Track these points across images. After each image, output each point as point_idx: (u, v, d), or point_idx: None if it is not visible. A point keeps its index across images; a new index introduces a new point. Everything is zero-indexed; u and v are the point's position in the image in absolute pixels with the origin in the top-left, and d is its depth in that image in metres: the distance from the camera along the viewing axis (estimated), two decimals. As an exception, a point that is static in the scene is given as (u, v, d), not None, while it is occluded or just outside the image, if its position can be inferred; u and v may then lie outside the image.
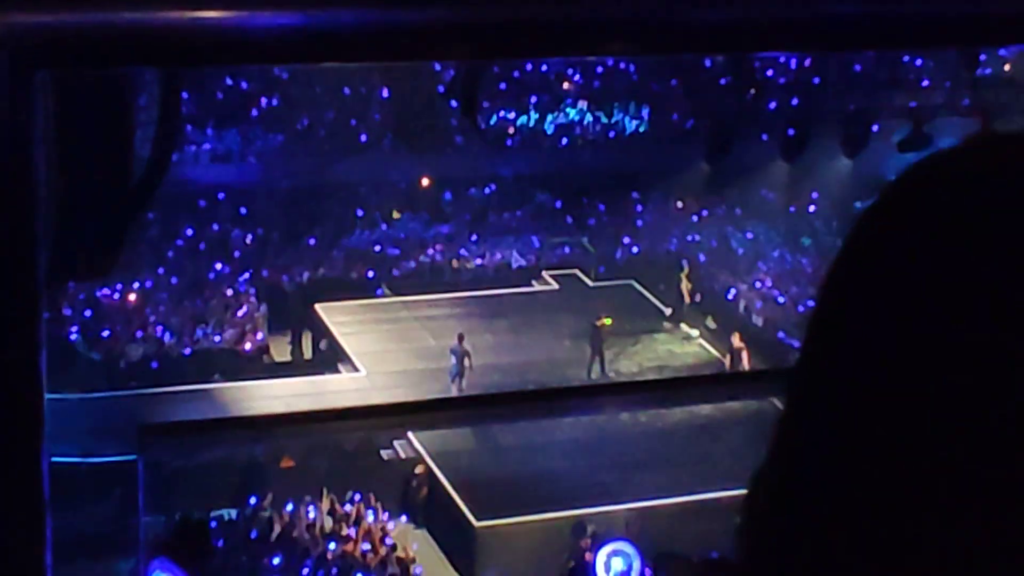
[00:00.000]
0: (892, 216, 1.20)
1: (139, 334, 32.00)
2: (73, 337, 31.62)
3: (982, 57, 29.20)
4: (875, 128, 30.78)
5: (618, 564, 24.11)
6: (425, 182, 38.38)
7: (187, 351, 31.95)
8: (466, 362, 31.02)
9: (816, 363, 1.19)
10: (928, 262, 1.12)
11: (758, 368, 31.89)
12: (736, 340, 32.29)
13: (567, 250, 37.96)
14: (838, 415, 1.13)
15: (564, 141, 39.39)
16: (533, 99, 39.55)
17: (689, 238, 38.57)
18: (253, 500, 26.47)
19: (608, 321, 32.84)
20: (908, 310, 1.10)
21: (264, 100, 37.71)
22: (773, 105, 34.53)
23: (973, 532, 1.04)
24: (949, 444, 1.07)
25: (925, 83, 33.53)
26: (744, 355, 31.75)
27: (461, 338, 31.40)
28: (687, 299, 35.56)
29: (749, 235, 38.49)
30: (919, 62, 37.91)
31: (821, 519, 1.13)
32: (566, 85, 40.11)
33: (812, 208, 39.08)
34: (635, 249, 38.18)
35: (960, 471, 1.06)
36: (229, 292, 34.08)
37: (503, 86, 39.04)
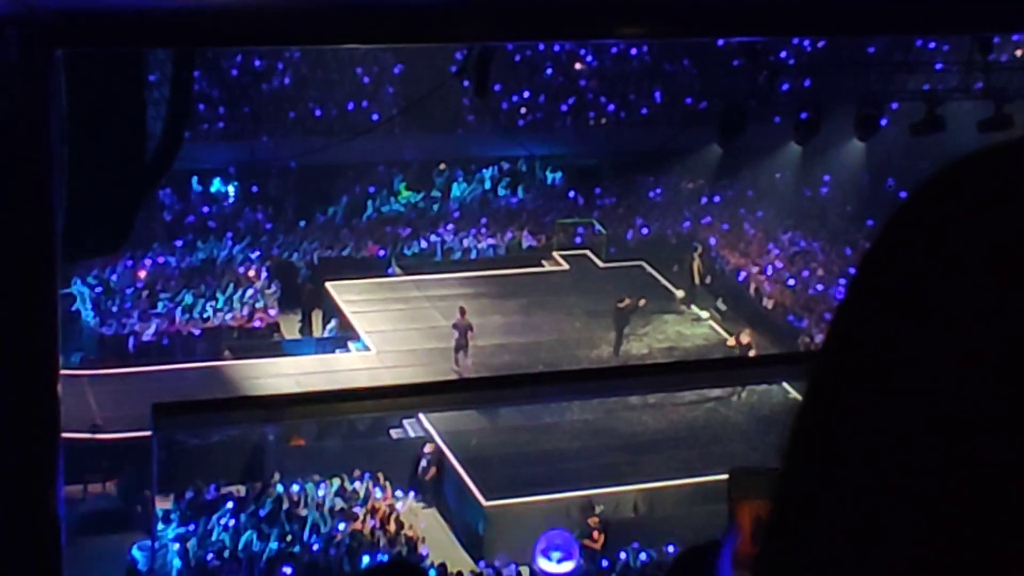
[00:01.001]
0: (922, 223, 1.20)
1: (150, 311, 32.05)
2: (84, 313, 31.68)
3: (995, 41, 29.07)
4: (888, 111, 30.70)
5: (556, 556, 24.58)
6: (437, 162, 38.40)
7: (198, 328, 32.01)
8: (468, 336, 31.11)
9: (837, 374, 1.20)
10: (959, 270, 1.12)
11: (767, 351, 31.91)
12: (745, 336, 32.29)
13: (579, 230, 37.94)
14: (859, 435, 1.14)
15: (575, 121, 39.40)
16: (546, 78, 39.55)
17: (700, 220, 38.55)
18: (263, 478, 26.55)
19: (628, 301, 32.90)
20: (934, 321, 1.11)
21: (276, 78, 37.76)
22: (786, 87, 34.47)
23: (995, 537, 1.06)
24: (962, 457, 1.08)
25: (938, 66, 33.42)
26: (751, 353, 31.73)
27: (463, 312, 31.52)
28: (698, 280, 35.58)
29: (761, 217, 38.46)
30: (932, 45, 37.83)
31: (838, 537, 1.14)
32: (578, 65, 40.11)
33: (824, 191, 39.05)
34: (646, 230, 38.16)
35: (971, 477, 1.07)
36: (240, 270, 34.11)
37: (516, 65, 39.03)
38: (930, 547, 1.05)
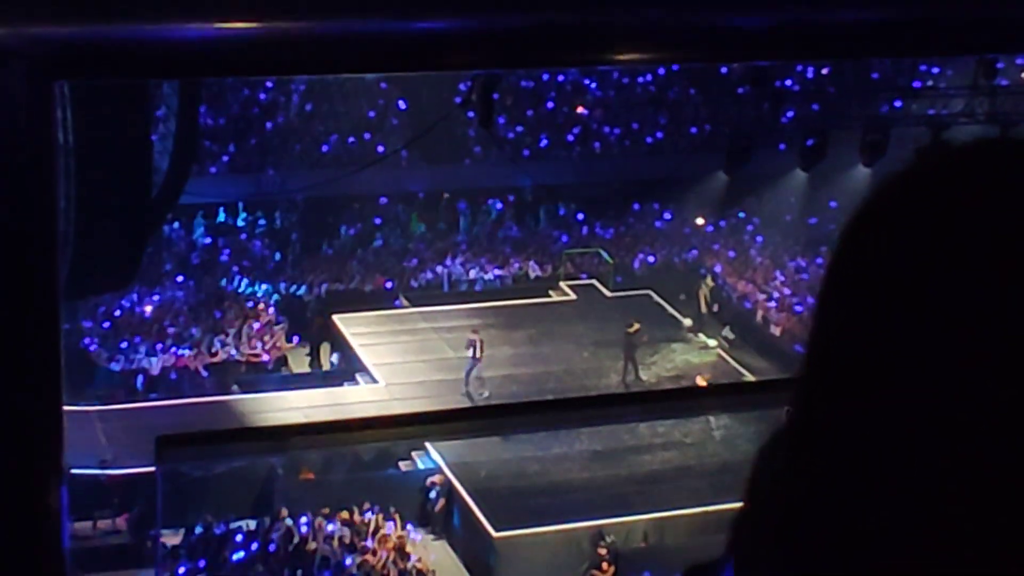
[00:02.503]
0: (889, 214, 1.19)
1: (158, 346, 32.06)
2: (92, 349, 31.70)
3: (999, 65, 29.11)
4: (893, 136, 30.70)
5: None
6: (443, 193, 38.43)
7: (206, 363, 32.00)
8: (477, 351, 31.20)
9: (818, 367, 1.19)
10: (924, 263, 1.11)
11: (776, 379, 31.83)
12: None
13: (584, 260, 37.95)
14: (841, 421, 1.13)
15: (581, 150, 39.42)
16: (550, 108, 39.60)
17: (707, 248, 38.54)
18: (273, 512, 26.50)
19: (637, 327, 32.91)
20: (905, 308, 1.10)
21: (281, 112, 37.84)
22: (791, 114, 34.51)
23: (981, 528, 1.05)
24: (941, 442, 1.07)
25: (943, 91, 33.47)
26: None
27: (475, 331, 31.88)
28: (705, 309, 35.52)
29: (767, 245, 38.44)
30: (936, 70, 37.88)
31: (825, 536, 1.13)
32: (583, 95, 40.16)
33: (830, 217, 39.03)
34: (652, 259, 38.14)
35: (956, 465, 1.06)
36: (248, 304, 34.12)
37: (521, 95, 39.10)
38: (929, 549, 1.04)
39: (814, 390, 1.18)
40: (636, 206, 39.44)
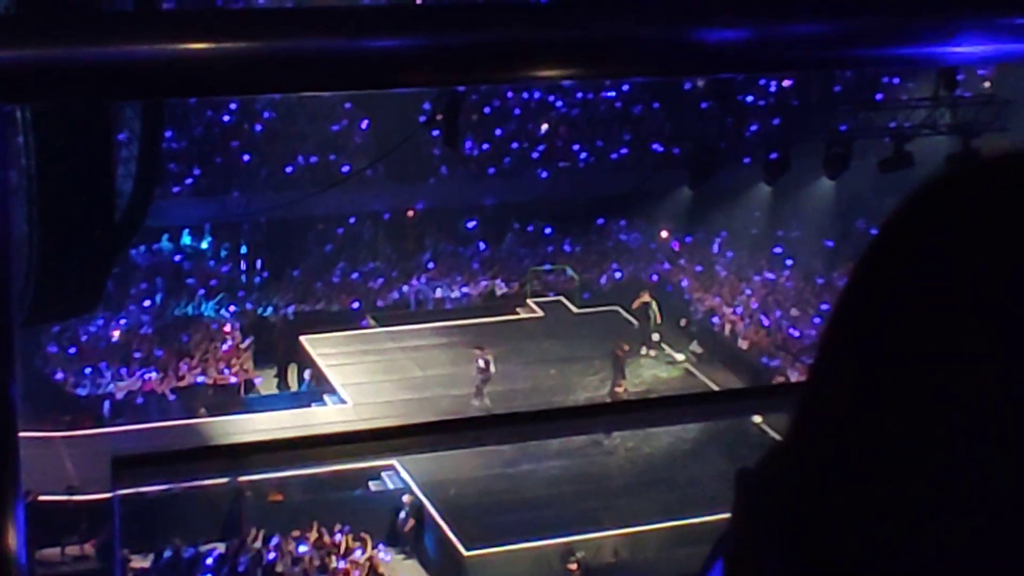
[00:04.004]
0: (920, 227, 1.17)
1: (124, 370, 31.92)
2: (58, 375, 31.55)
3: (960, 76, 29.28)
4: (856, 149, 30.84)
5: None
6: (408, 212, 38.40)
7: (172, 387, 31.88)
8: (482, 363, 31.28)
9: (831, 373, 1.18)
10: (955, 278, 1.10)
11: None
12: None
13: (551, 277, 37.97)
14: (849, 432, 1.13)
15: (546, 168, 39.44)
16: (514, 127, 39.62)
17: (674, 262, 38.61)
18: (242, 534, 26.40)
19: (627, 347, 33.12)
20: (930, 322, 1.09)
21: (245, 133, 37.75)
22: (754, 128, 34.62)
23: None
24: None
25: (905, 103, 33.63)
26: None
27: (480, 347, 32.01)
28: (653, 325, 35.18)
29: (733, 258, 38.53)
30: (898, 81, 38.06)
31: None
32: (547, 112, 40.20)
33: (795, 230, 39.16)
34: (619, 275, 38.20)
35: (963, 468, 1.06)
36: (214, 326, 34.03)
37: (486, 113, 39.12)
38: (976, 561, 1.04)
39: (841, 409, 1.16)
40: (602, 222, 39.50)
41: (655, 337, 34.98)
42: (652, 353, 34.34)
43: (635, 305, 34.45)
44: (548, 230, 39.10)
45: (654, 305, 35.11)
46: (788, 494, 1.16)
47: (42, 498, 24.66)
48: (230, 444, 23.15)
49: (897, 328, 1.11)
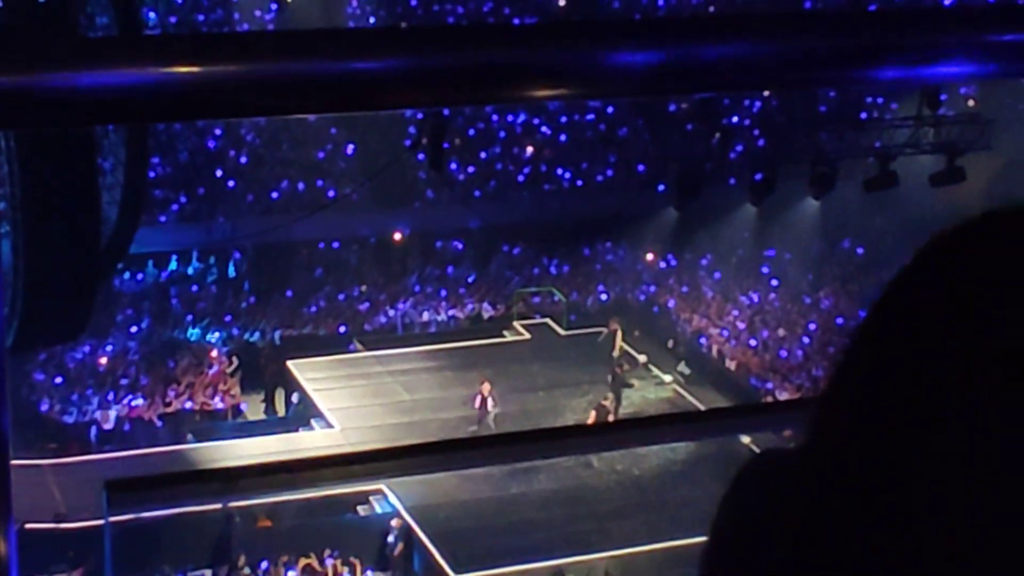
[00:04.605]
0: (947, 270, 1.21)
1: (111, 397, 31.86)
2: (44, 403, 31.46)
3: (943, 96, 29.39)
4: (841, 169, 30.92)
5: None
6: (394, 236, 38.40)
7: (160, 413, 31.82)
8: (488, 405, 31.25)
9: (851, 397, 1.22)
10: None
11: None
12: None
13: (537, 300, 37.98)
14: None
15: (531, 190, 39.48)
16: (499, 150, 39.68)
17: (660, 283, 38.64)
18: (231, 560, 26.32)
19: (627, 367, 33.17)
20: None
21: (230, 159, 37.78)
22: (739, 149, 34.69)
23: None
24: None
25: (889, 122, 33.74)
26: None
27: (483, 381, 31.84)
28: (617, 353, 35.00)
29: (719, 279, 38.56)
30: (881, 101, 38.20)
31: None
32: (532, 134, 40.26)
33: (781, 250, 39.21)
34: (605, 296, 38.22)
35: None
36: (200, 352, 33.97)
37: (471, 136, 39.17)
38: None
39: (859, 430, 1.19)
40: (588, 244, 39.52)
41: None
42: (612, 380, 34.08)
43: (602, 337, 34.13)
44: (534, 252, 39.11)
45: (617, 336, 34.90)
46: (797, 500, 1.18)
47: (29, 526, 24.58)
48: (223, 468, 23.14)
49: (912, 351, 1.15)
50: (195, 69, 2.52)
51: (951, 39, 2.92)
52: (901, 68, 2.92)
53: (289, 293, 36.79)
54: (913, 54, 2.88)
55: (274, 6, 40.09)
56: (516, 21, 39.58)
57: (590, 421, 31.61)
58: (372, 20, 40.36)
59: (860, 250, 39.15)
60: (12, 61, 2.55)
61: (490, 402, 31.34)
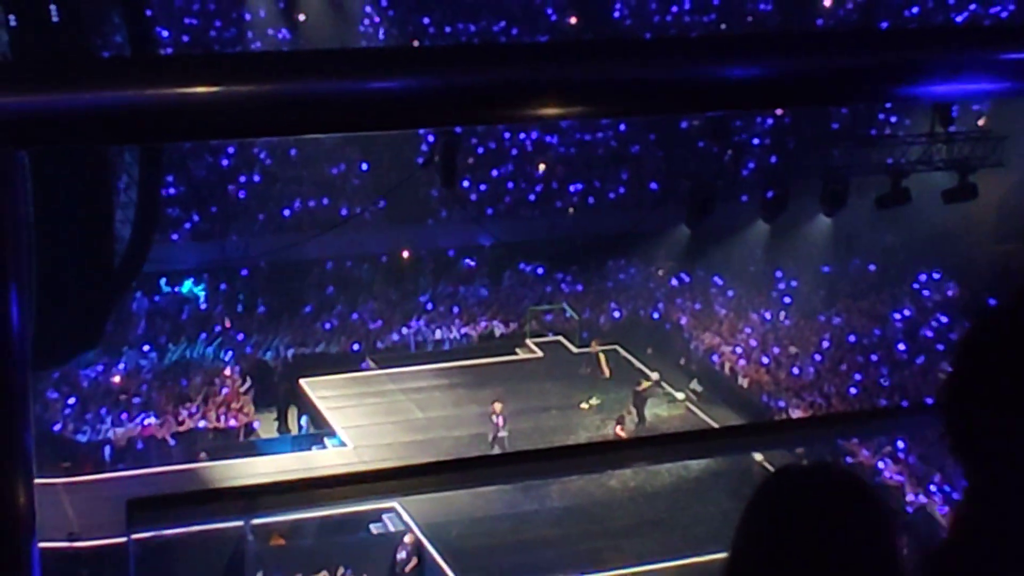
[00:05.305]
0: None
1: (124, 415, 31.87)
2: (58, 421, 31.48)
3: (955, 112, 29.35)
4: (853, 185, 30.85)
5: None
6: (406, 253, 38.42)
7: (173, 431, 31.83)
8: (496, 420, 31.23)
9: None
10: None
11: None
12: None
13: (550, 317, 37.95)
14: None
15: (544, 208, 39.50)
16: (512, 167, 39.71)
17: (672, 301, 38.61)
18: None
19: (648, 384, 33.18)
20: None
21: (243, 177, 37.84)
22: (751, 166, 34.67)
23: None
24: None
25: (901, 139, 33.68)
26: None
27: (495, 402, 31.87)
28: (607, 374, 34.94)
29: (732, 296, 38.51)
30: (894, 118, 38.15)
31: None
32: (545, 152, 40.29)
33: (794, 267, 39.15)
34: (618, 314, 38.19)
35: None
36: (213, 370, 33.97)
37: (483, 154, 39.21)
38: None
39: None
40: (600, 261, 39.50)
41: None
42: (593, 403, 33.99)
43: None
44: (546, 270, 39.11)
45: (601, 357, 34.80)
46: None
47: (42, 545, 24.56)
48: (243, 486, 23.16)
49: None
50: (215, 89, 2.55)
51: (981, 55, 2.94)
52: (943, 83, 2.93)
53: (301, 311, 36.80)
54: (950, 69, 2.90)
55: (287, 24, 40.18)
56: (526, 39, 39.67)
57: (617, 431, 31.69)
58: (383, 36, 40.44)
59: (872, 267, 39.09)
60: (28, 81, 2.58)
61: (500, 423, 31.33)
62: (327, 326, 36.37)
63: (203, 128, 2.79)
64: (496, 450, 30.99)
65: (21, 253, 2.57)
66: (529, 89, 2.81)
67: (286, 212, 37.50)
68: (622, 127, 40.03)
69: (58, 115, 2.54)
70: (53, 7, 12.48)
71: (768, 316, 37.59)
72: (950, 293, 37.32)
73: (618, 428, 31.71)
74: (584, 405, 33.46)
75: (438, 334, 36.92)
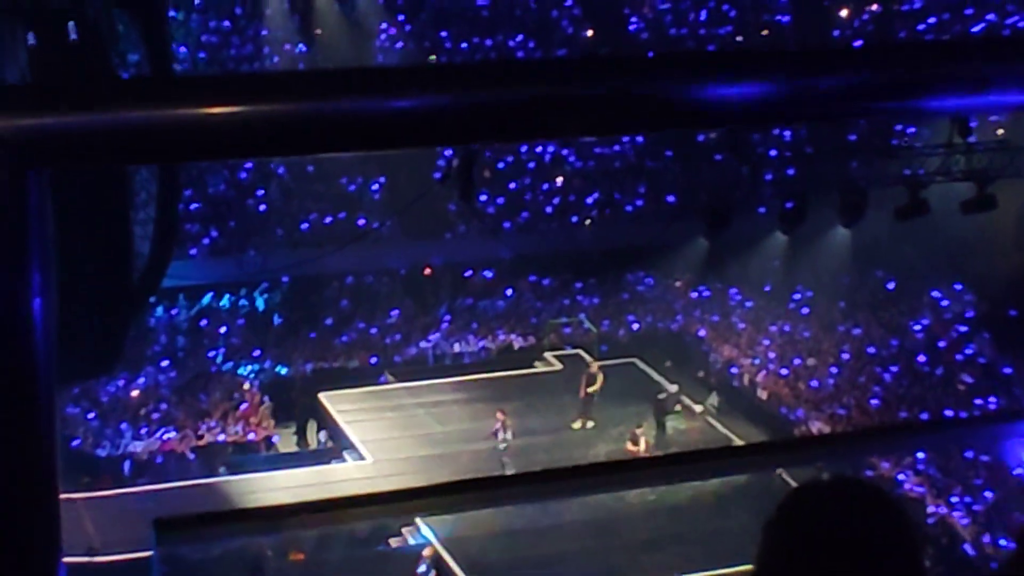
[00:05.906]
0: None
1: (143, 430, 31.93)
2: (77, 436, 31.55)
3: (973, 124, 29.27)
4: (872, 197, 30.80)
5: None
6: (425, 267, 38.46)
7: (192, 446, 31.88)
8: (506, 431, 31.21)
9: None
10: None
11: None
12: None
13: (568, 330, 37.92)
14: None
15: (561, 221, 39.50)
16: (529, 180, 39.72)
17: (690, 313, 38.57)
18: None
19: (667, 394, 33.24)
20: None
21: (261, 192, 37.92)
22: (769, 178, 34.61)
23: None
24: None
25: (919, 150, 33.60)
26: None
27: (501, 412, 31.96)
28: (583, 393, 34.63)
29: (750, 308, 38.46)
30: (912, 129, 38.09)
31: None
32: (562, 165, 40.29)
33: (812, 279, 39.09)
34: (636, 326, 38.17)
35: None
36: (233, 385, 34.03)
37: (500, 168, 39.23)
38: None
39: None
40: (618, 274, 39.47)
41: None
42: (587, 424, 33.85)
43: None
44: (564, 283, 39.09)
45: (599, 379, 34.55)
46: None
47: (65, 559, 24.59)
48: (270, 505, 23.15)
49: None
50: (232, 109, 2.56)
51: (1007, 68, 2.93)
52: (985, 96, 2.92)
53: (320, 325, 36.83)
54: (977, 83, 2.89)
55: (304, 39, 40.26)
56: (540, 54, 39.72)
57: (631, 447, 31.64)
58: (399, 50, 40.51)
59: (891, 278, 39.02)
60: (50, 101, 2.59)
61: (501, 431, 31.32)
62: (345, 340, 36.40)
63: (222, 148, 2.80)
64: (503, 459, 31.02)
65: (47, 271, 2.58)
66: (549, 106, 2.81)
67: (304, 226, 37.56)
68: (640, 140, 40.02)
69: (80, 135, 2.55)
70: (72, 24, 12.52)
71: (787, 328, 37.53)
72: (969, 305, 37.23)
73: (630, 444, 31.71)
74: (575, 425, 33.44)
75: (456, 348, 36.93)
